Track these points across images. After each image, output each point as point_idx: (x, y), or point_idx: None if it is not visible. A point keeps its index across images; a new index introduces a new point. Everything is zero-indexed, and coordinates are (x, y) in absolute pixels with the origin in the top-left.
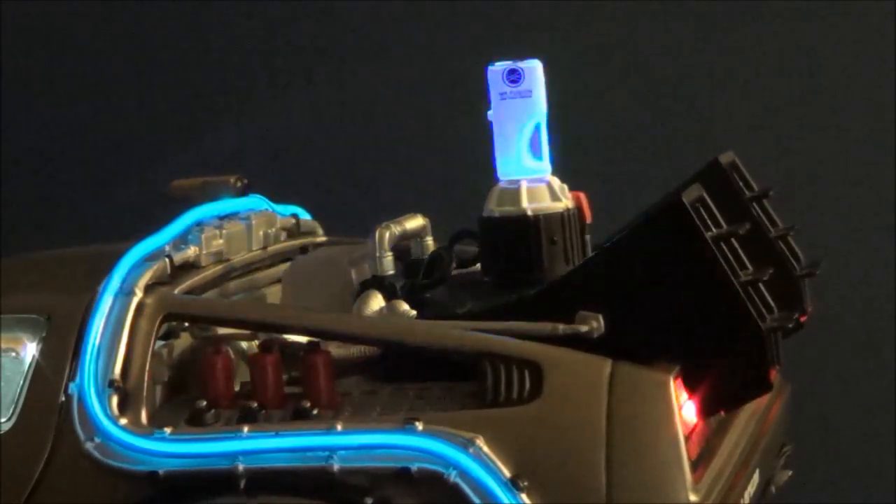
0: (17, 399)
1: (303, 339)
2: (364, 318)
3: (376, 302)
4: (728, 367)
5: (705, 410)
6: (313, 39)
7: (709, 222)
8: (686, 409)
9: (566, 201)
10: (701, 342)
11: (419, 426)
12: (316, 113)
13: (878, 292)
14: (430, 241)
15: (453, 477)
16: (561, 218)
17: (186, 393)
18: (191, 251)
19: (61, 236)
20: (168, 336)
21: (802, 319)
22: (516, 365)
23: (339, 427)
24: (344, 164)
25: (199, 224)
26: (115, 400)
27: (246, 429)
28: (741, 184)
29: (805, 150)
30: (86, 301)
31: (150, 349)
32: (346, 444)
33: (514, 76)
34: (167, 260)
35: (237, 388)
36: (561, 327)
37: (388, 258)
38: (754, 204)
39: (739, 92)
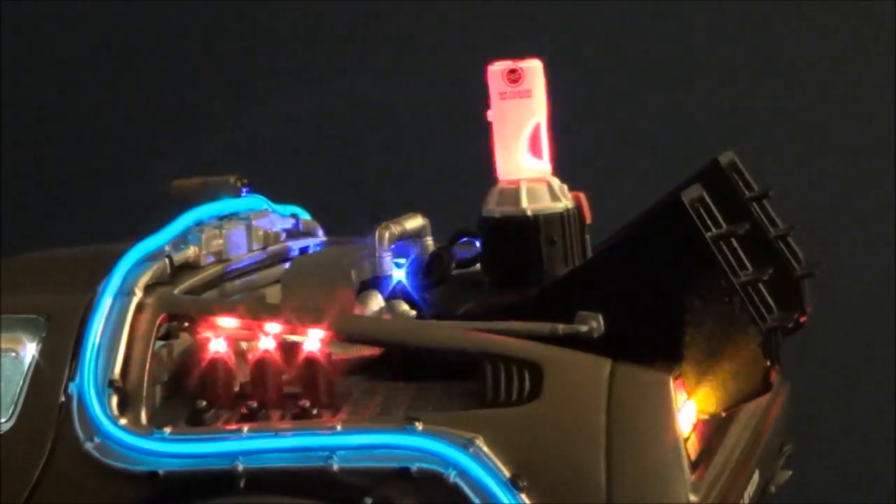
0: (17, 399)
1: (302, 338)
2: (364, 317)
3: (376, 302)
4: (728, 367)
5: (705, 410)
6: (313, 39)
7: (709, 222)
8: (686, 409)
9: (566, 201)
10: (701, 342)
11: (419, 426)
12: (316, 113)
13: (878, 292)
14: (430, 241)
15: (453, 477)
16: (561, 218)
17: (186, 393)
18: (191, 251)
19: (61, 236)
20: (168, 336)
21: (802, 319)
22: (516, 365)
23: (338, 427)
24: (344, 164)
25: (199, 224)
26: (114, 400)
27: (246, 429)
28: (741, 184)
29: (805, 150)
30: (86, 301)
31: (150, 349)
32: (345, 444)
33: (514, 76)
34: (167, 260)
35: (237, 388)
36: (561, 327)
37: (388, 258)
38: (754, 204)
39: (740, 92)
